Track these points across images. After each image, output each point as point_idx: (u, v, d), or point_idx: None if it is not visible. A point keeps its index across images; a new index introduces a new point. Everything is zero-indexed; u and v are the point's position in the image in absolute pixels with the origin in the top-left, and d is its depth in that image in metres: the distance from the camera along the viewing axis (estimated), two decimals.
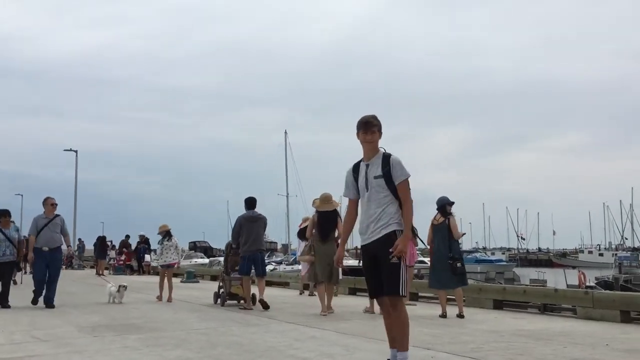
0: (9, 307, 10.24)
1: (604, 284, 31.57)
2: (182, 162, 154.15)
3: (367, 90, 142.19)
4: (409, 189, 4.70)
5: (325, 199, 9.87)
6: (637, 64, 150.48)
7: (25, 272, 21.80)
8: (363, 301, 10.95)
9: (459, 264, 8.85)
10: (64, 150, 46.49)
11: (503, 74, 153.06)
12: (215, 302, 11.27)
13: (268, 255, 53.06)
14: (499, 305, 10.21)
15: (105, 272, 24.96)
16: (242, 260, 10.38)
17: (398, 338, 4.64)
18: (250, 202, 10.57)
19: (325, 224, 9.76)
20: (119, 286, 11.23)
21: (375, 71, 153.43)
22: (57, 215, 10.87)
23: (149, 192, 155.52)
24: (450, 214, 9.16)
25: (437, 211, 9.15)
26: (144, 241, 27.00)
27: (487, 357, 5.45)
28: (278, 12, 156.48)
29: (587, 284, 29.77)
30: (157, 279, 13.13)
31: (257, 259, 10.41)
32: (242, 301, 10.50)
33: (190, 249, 58.52)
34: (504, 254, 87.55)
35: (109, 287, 11.53)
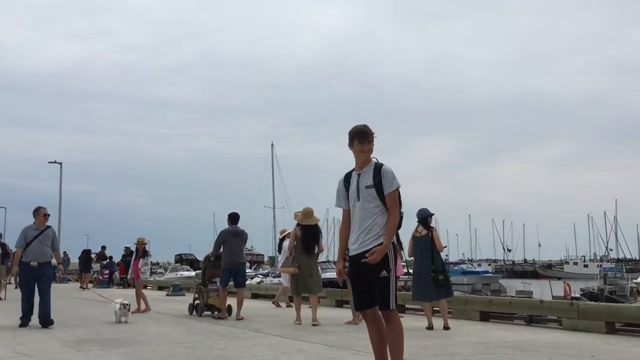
0: None
1: (589, 295, 31.74)
2: (167, 174, 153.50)
3: (351, 103, 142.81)
4: (398, 199, 4.67)
5: (308, 213, 10.08)
6: (615, 76, 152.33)
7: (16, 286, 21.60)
8: (349, 313, 10.94)
9: (441, 276, 8.86)
10: (49, 162, 46.10)
11: (484, 87, 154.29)
12: (191, 312, 11.51)
13: (255, 268, 52.85)
14: (485, 316, 10.24)
15: (90, 285, 24.75)
16: (224, 272, 10.76)
17: (393, 350, 4.59)
18: (234, 218, 11.02)
19: (307, 237, 9.95)
20: (120, 304, 9.91)
21: (359, 84, 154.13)
22: (49, 227, 9.86)
23: (135, 205, 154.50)
24: (432, 226, 9.27)
25: (417, 223, 9.18)
26: (130, 254, 26.81)
27: None
28: (263, 24, 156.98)
29: (573, 295, 29.92)
30: (144, 292, 13.20)
31: (238, 271, 10.85)
32: (216, 312, 10.85)
33: (176, 261, 58.11)
34: (490, 265, 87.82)
35: (114, 305, 10.09)
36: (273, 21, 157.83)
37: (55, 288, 8.95)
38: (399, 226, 4.78)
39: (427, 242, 9.02)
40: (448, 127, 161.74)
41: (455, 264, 67.73)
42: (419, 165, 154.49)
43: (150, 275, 14.31)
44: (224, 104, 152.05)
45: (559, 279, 54.73)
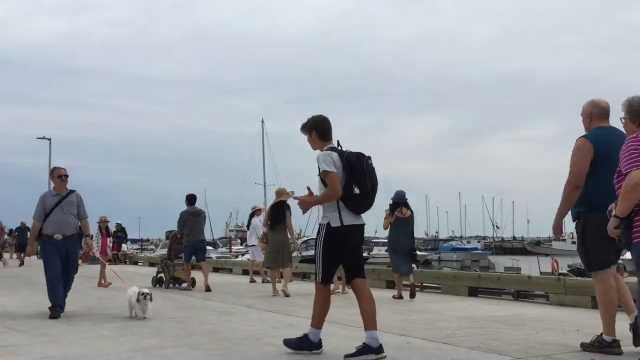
0: None
1: (576, 271, 31.99)
2: (157, 151, 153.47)
3: (342, 80, 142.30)
4: (331, 182, 4.88)
5: (278, 192, 10.96)
6: (605, 54, 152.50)
7: (22, 262, 21.43)
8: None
9: (414, 253, 10.30)
10: (37, 138, 45.78)
11: (475, 65, 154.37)
12: (154, 285, 12.35)
13: (245, 245, 52.93)
14: (474, 292, 10.36)
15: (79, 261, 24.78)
16: (186, 249, 11.84)
17: (373, 317, 4.93)
18: (191, 199, 12.05)
19: (275, 214, 10.69)
20: (138, 293, 7.42)
21: (351, 61, 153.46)
22: (72, 192, 8.07)
23: (125, 181, 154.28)
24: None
25: (399, 204, 10.03)
26: (121, 230, 26.89)
27: (462, 342, 5.53)
28: (253, 1, 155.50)
29: (560, 271, 30.24)
30: (133, 268, 13.31)
31: (198, 248, 11.98)
32: (183, 284, 11.88)
33: (167, 238, 58.10)
34: (479, 242, 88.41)
35: (130, 293, 7.64)
36: None
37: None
38: (354, 207, 4.98)
39: (410, 223, 10.12)
40: (439, 105, 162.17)
41: (445, 240, 68.29)
42: (409, 143, 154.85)
43: (142, 251, 14.59)
44: (213, 81, 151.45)
45: (547, 255, 55.27)
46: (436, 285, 11.28)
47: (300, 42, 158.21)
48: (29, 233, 26.42)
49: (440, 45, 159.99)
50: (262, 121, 64.45)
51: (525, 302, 9.53)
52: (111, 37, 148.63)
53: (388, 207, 10.12)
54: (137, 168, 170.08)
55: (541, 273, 28.52)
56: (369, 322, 4.88)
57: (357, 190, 4.92)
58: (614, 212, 4.13)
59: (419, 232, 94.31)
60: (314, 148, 5.22)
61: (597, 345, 5.02)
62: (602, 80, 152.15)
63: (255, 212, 15.02)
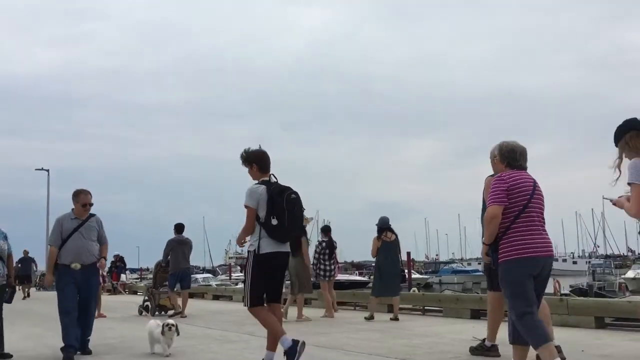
0: (9, 356, 6.75)
1: (578, 291, 31.93)
2: (155, 179, 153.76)
3: (338, 102, 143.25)
4: (246, 216, 5.40)
5: None
6: (598, 72, 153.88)
7: (26, 295, 20.96)
8: (352, 314, 11.00)
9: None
10: (36, 169, 45.79)
11: (470, 86, 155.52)
12: (140, 313, 12.69)
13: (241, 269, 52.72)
14: (476, 314, 10.28)
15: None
16: (171, 277, 12.28)
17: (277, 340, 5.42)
18: (179, 228, 12.54)
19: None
20: (164, 325, 6.71)
21: (346, 83, 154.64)
22: (92, 215, 7.18)
23: (124, 210, 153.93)
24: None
25: (384, 229, 10.51)
26: (120, 260, 26.76)
27: None
28: (247, 26, 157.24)
29: (562, 291, 30.11)
30: (133, 298, 13.27)
31: (184, 275, 12.39)
32: (170, 311, 12.13)
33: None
34: (480, 264, 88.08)
35: (151, 326, 7.00)
36: (258, 22, 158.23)
37: (44, 295, 7.99)
38: (274, 236, 5.36)
39: (396, 246, 10.62)
40: (435, 127, 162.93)
41: (446, 263, 68.00)
42: (407, 165, 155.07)
43: (141, 280, 14.60)
44: (209, 106, 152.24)
45: None
46: (438, 308, 11.22)
47: (296, 65, 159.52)
48: (33, 264, 26.33)
49: (434, 66, 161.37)
50: (260, 147, 64.45)
51: None
52: (106, 65, 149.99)
53: (376, 234, 10.60)
54: (136, 197, 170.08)
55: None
56: (273, 343, 5.50)
57: (274, 222, 5.32)
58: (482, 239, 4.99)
59: (419, 256, 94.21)
60: (254, 179, 5.64)
61: (479, 349, 6.15)
62: (596, 98, 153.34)
63: None
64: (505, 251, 4.73)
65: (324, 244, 11.81)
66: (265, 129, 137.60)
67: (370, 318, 10.28)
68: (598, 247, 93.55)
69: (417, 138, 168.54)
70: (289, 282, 10.73)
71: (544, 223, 4.92)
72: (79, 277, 6.81)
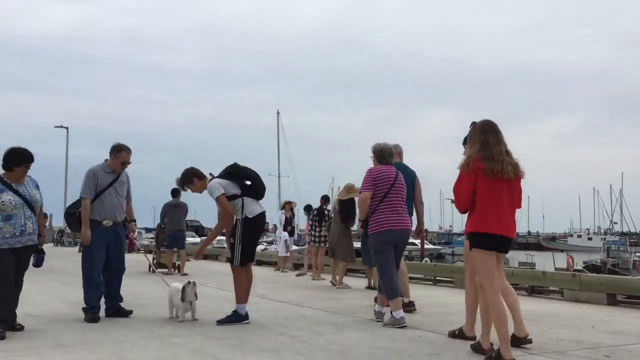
0: (20, 328, 5.72)
1: (592, 267, 31.88)
2: (172, 141, 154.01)
3: (355, 71, 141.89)
4: (220, 204, 6.18)
5: (348, 188, 10.77)
6: (622, 48, 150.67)
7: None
8: (357, 282, 11.09)
9: None
10: (55, 126, 46.24)
11: (490, 58, 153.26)
12: (149, 270, 12.84)
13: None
14: None
15: None
16: (168, 238, 13.46)
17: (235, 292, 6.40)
18: (174, 192, 13.29)
19: (346, 210, 10.72)
20: (183, 287, 6.43)
21: (363, 52, 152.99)
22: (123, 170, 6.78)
23: (140, 170, 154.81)
24: None
25: None
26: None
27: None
28: None
29: (575, 267, 30.04)
30: (142, 257, 13.45)
31: (178, 237, 13.43)
32: (164, 269, 13.06)
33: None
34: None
35: (170, 290, 6.75)
36: None
37: (61, 251, 7.89)
38: (253, 194, 6.36)
39: None
40: (452, 99, 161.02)
41: (459, 234, 67.86)
42: (426, 136, 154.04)
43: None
44: (226, 71, 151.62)
45: (562, 251, 54.92)
46: (449, 279, 11.25)
47: (314, 33, 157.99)
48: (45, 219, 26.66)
49: (455, 36, 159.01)
50: (278, 113, 64.37)
51: (539, 297, 9.46)
52: (124, 26, 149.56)
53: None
54: (151, 158, 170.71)
55: (556, 269, 28.38)
56: (245, 296, 6.34)
57: (248, 182, 6.35)
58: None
59: (433, 226, 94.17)
60: (202, 190, 6.42)
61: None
62: (616, 74, 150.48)
63: (285, 206, 15.02)
64: (372, 226, 6.26)
65: (315, 212, 12.54)
66: (282, 94, 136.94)
67: (370, 287, 10.14)
68: (615, 224, 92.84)
69: (434, 108, 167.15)
70: (330, 249, 11.17)
71: (405, 205, 6.40)
72: (110, 236, 6.52)
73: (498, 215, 4.58)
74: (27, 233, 5.63)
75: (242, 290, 6.35)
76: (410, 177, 7.30)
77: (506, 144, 4.70)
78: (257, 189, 6.43)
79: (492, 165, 4.53)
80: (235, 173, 6.38)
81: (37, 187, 5.88)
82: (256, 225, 6.33)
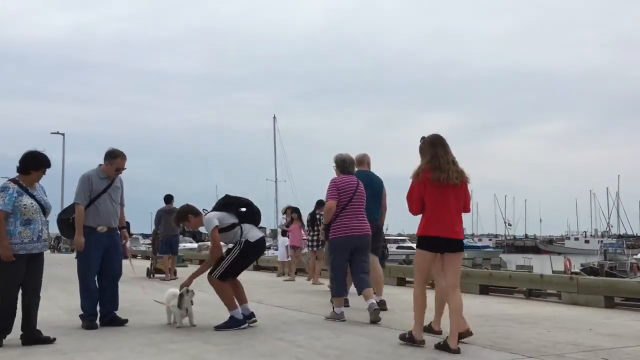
0: (51, 340, 5.53)
1: (589, 270, 31.85)
2: (169, 146, 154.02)
3: (352, 75, 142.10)
4: (212, 239, 6.47)
5: None
6: (618, 50, 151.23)
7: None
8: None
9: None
10: (51, 133, 46.10)
11: (487, 61, 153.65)
12: (148, 276, 14.09)
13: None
14: (485, 290, 10.31)
15: None
16: (161, 243, 13.83)
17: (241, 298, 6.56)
18: (167, 198, 13.94)
19: None
20: (180, 294, 6.44)
21: (360, 56, 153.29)
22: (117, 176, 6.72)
23: (137, 176, 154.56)
24: None
25: None
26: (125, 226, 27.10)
27: (473, 341, 5.51)
28: None
29: (573, 270, 30.05)
30: (139, 263, 13.70)
31: (171, 242, 13.75)
32: (161, 275, 13.73)
33: (180, 233, 58.33)
34: (490, 240, 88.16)
35: (168, 295, 6.81)
36: None
37: (58, 258, 8.07)
38: (251, 220, 6.60)
39: None
40: (450, 102, 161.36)
41: None
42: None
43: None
44: (223, 76, 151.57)
45: (559, 254, 54.88)
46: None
47: (311, 37, 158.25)
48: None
49: (451, 39, 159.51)
50: (274, 117, 64.43)
51: (537, 300, 9.47)
52: (121, 31, 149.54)
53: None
54: (148, 163, 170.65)
55: (553, 272, 28.37)
56: (233, 303, 6.32)
57: (243, 209, 6.53)
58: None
59: None
60: (198, 226, 6.69)
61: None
62: (612, 77, 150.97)
63: (286, 211, 14.80)
64: (332, 231, 6.84)
65: (308, 217, 12.82)
66: (278, 99, 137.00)
67: None
68: (611, 226, 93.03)
69: (431, 112, 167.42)
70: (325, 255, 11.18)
71: (364, 212, 6.92)
72: (105, 241, 6.44)
73: (444, 219, 5.11)
74: (42, 239, 5.50)
75: (229, 298, 6.34)
76: (378, 185, 7.97)
77: (453, 155, 5.29)
78: (253, 215, 6.64)
79: (439, 175, 5.11)
80: (228, 203, 6.59)
81: (45, 193, 5.75)
82: (256, 249, 6.50)
